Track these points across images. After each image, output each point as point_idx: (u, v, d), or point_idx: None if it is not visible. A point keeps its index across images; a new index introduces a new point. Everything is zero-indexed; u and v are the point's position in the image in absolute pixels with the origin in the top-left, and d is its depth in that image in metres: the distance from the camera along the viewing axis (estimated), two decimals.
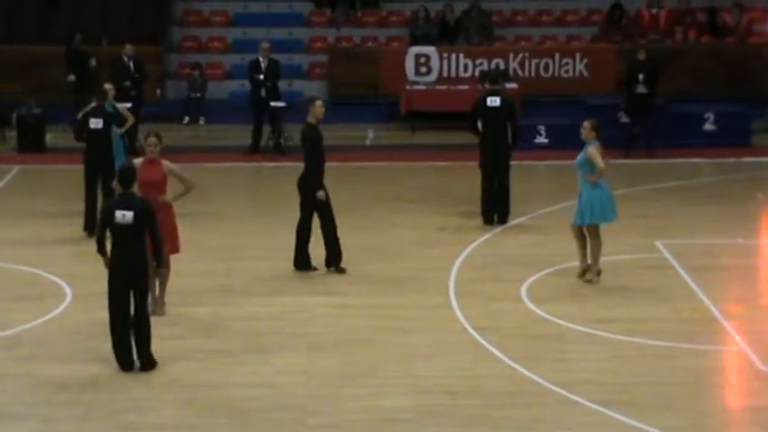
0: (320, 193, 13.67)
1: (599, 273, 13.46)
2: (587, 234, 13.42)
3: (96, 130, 15.58)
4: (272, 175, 20.07)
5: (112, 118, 15.89)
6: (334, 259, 13.94)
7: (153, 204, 11.27)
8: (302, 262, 13.97)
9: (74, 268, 14.17)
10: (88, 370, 11.01)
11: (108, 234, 11.00)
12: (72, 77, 22.33)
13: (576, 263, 13.88)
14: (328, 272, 13.89)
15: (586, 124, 13.38)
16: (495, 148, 15.96)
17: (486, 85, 16.43)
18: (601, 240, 13.41)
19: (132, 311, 10.91)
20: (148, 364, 10.94)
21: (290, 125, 20.95)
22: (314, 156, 13.71)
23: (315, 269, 13.92)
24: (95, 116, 15.65)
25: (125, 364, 10.92)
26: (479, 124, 16.06)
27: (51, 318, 12.50)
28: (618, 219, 13.57)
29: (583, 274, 13.50)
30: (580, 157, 13.36)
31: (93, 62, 22.65)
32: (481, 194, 16.13)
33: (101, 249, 11.06)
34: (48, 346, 11.70)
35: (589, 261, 13.43)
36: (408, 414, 10.06)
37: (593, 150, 13.21)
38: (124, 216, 10.78)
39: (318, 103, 13.84)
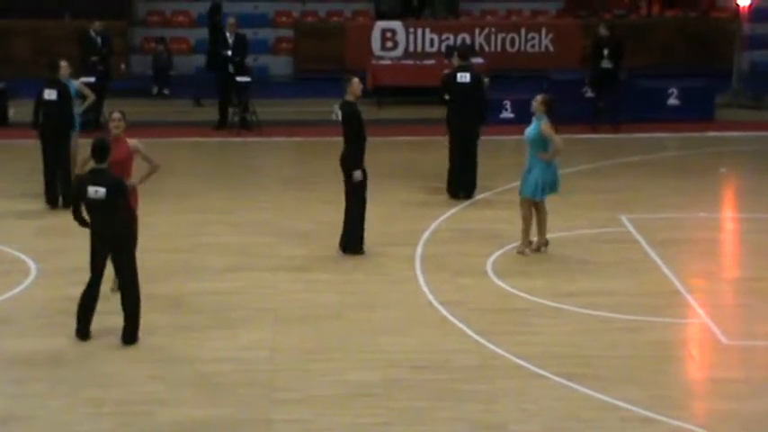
0: (357, 174, 13.35)
1: (546, 243, 13.57)
2: (536, 208, 13.48)
3: (51, 102, 15.52)
4: (239, 151, 20.01)
5: (67, 90, 15.76)
6: (351, 241, 13.60)
7: (125, 180, 11.27)
8: (356, 244, 13.57)
9: (38, 244, 14.10)
10: (54, 346, 10.98)
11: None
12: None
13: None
14: (344, 254, 13.59)
15: (539, 98, 13.35)
16: (463, 124, 15.99)
17: (455, 60, 16.44)
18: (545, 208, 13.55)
19: (119, 282, 11.07)
20: (132, 335, 10.98)
21: (256, 100, 20.91)
22: (353, 133, 13.42)
23: (362, 252, 13.55)
24: (50, 87, 15.57)
25: (82, 332, 11.00)
26: (446, 97, 16.11)
27: (16, 294, 12.44)
28: (577, 193, 13.67)
29: (538, 248, 13.57)
30: (531, 131, 13.34)
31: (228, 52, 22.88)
32: (448, 169, 16.17)
33: (80, 223, 11.08)
34: (12, 322, 11.65)
35: (533, 237, 13.54)
36: (375, 388, 10.10)
37: (546, 127, 13.20)
38: (96, 192, 10.80)
39: (356, 80, 13.53)
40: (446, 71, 16.58)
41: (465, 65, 16.19)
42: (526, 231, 13.53)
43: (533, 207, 13.49)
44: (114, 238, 10.88)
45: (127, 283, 10.95)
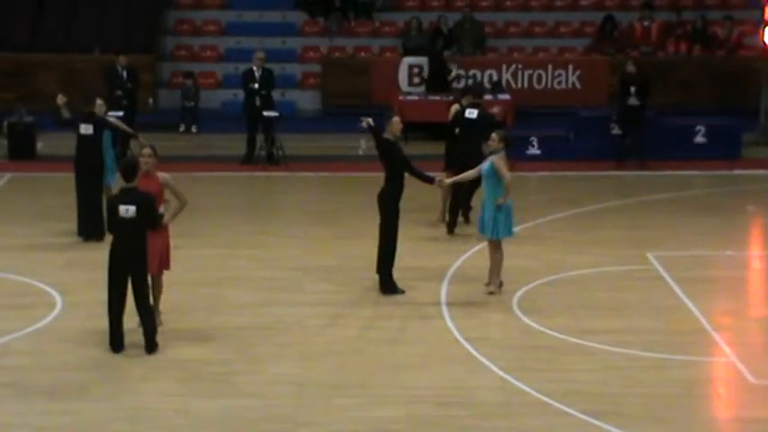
0: (365, 121, 13.49)
1: (501, 285, 13.48)
2: (491, 246, 13.43)
3: (86, 136, 15.68)
4: (265, 185, 20.07)
5: (102, 124, 15.92)
6: (387, 284, 13.49)
7: (154, 196, 11.57)
8: (392, 287, 13.45)
9: (64, 276, 14.15)
10: (78, 379, 11.00)
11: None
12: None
13: (568, 273, 13.91)
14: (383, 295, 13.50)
15: (494, 135, 13.44)
16: (464, 160, 15.88)
17: (465, 100, 16.55)
18: (502, 252, 13.45)
19: (134, 300, 11.43)
20: (152, 347, 11.51)
21: (283, 135, 20.99)
22: (393, 171, 13.42)
23: (402, 292, 13.49)
24: (86, 122, 15.72)
25: (117, 346, 11.47)
26: (456, 131, 16.31)
27: (41, 326, 12.48)
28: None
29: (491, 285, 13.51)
30: (486, 167, 13.36)
31: (453, 72, 23.49)
32: (450, 206, 16.23)
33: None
34: (37, 355, 11.68)
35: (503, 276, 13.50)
36: (399, 425, 10.06)
37: (498, 161, 13.23)
38: (127, 210, 11.17)
39: (396, 119, 13.66)
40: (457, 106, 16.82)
41: (476, 102, 16.37)
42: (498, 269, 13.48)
43: (491, 246, 13.44)
44: (136, 260, 11.22)
45: (145, 301, 11.43)
